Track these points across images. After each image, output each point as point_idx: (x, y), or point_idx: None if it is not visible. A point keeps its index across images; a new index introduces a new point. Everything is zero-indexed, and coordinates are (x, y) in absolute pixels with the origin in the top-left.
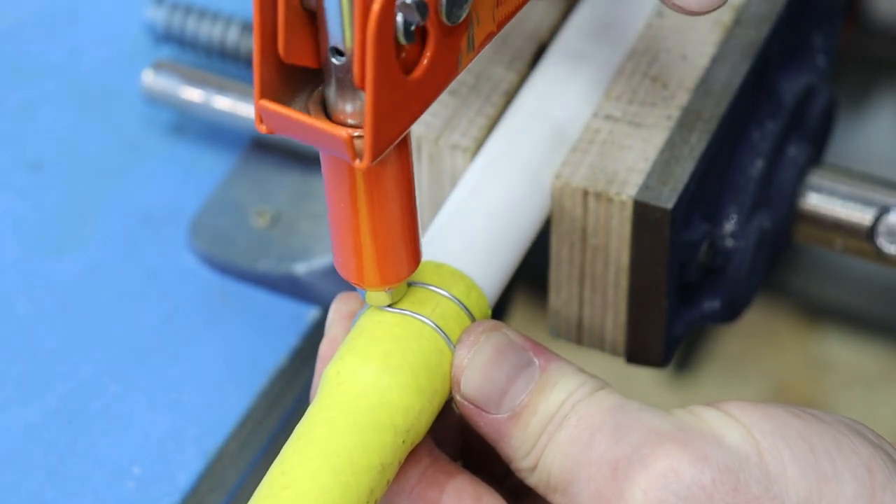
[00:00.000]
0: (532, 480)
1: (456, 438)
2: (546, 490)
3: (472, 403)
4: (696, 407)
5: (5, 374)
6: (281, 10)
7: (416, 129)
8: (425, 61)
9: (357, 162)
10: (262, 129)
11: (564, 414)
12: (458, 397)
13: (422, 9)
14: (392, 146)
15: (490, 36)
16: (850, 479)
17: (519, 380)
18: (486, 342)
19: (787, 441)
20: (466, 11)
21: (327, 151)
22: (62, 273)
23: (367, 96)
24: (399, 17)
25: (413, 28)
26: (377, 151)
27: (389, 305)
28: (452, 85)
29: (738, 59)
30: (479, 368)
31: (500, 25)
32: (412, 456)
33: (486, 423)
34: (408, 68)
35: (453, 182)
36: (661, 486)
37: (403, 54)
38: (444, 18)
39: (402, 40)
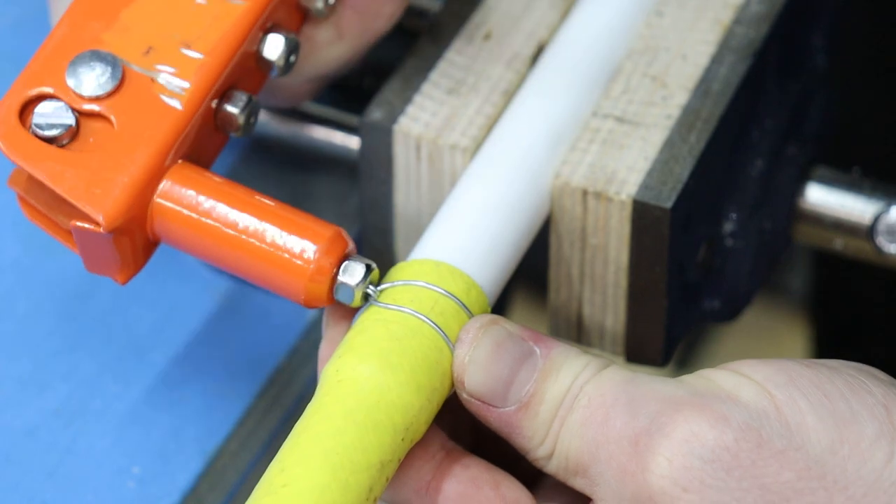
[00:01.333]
0: (550, 468)
1: (469, 433)
2: (566, 475)
3: (479, 399)
4: (706, 371)
5: (5, 374)
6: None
7: (416, 129)
8: (114, 125)
9: (101, 230)
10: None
11: (574, 396)
12: (464, 395)
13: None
14: (140, 195)
15: (206, 67)
16: (868, 418)
17: (522, 370)
18: (485, 337)
19: (802, 391)
20: (102, 87)
21: (101, 237)
22: (62, 273)
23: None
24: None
25: (58, 124)
26: (109, 212)
27: (389, 304)
28: (451, 84)
29: (738, 59)
30: (481, 364)
31: (217, 52)
32: (426, 451)
33: (496, 418)
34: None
35: (452, 181)
36: (685, 453)
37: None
38: (79, 92)
39: (49, 133)
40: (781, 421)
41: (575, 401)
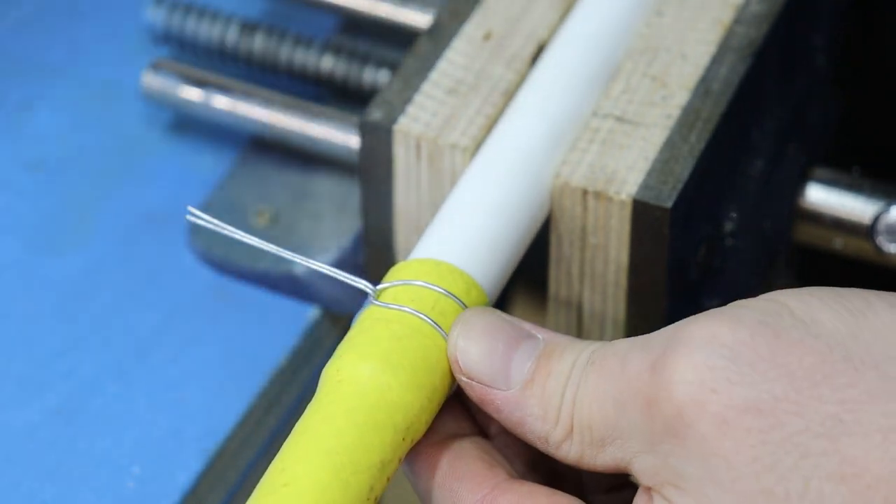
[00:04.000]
0: (574, 451)
1: (525, 452)
2: (593, 452)
3: (478, 381)
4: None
5: (5, 374)
6: None
7: (416, 129)
8: None
9: None
10: None
11: (583, 364)
12: (462, 378)
13: None
14: None
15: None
16: (884, 307)
17: (521, 347)
18: (477, 319)
19: (813, 294)
20: None
21: None
22: (62, 273)
23: None
24: None
25: None
26: None
27: (389, 303)
28: (451, 84)
29: (738, 59)
30: (473, 341)
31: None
32: (488, 471)
33: (503, 401)
34: None
35: (453, 181)
36: (707, 354)
37: None
38: None
39: None
40: (795, 317)
41: (588, 364)
